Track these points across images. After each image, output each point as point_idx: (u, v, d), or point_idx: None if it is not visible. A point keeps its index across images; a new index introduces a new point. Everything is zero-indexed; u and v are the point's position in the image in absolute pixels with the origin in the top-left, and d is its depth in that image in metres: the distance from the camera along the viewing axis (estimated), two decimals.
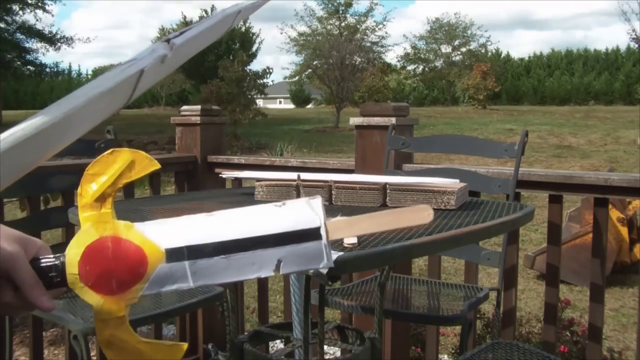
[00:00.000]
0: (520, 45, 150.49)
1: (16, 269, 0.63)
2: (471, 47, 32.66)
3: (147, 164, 0.68)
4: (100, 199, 0.67)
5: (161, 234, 0.66)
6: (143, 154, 0.68)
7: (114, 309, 0.65)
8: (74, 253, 0.65)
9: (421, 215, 0.73)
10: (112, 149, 0.68)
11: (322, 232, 0.66)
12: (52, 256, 0.67)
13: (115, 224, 0.66)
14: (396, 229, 1.01)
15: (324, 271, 0.86)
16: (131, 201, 1.95)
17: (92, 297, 0.65)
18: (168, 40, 0.63)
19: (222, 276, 0.65)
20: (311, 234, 0.66)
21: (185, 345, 0.67)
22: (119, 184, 0.67)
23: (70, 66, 46.53)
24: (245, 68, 17.51)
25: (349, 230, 0.71)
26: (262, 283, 2.87)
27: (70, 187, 2.21)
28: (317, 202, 0.68)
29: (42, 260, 0.66)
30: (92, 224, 0.66)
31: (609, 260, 4.74)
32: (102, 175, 0.67)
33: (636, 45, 25.92)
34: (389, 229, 0.80)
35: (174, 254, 0.64)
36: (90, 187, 0.67)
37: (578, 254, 4.70)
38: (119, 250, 0.65)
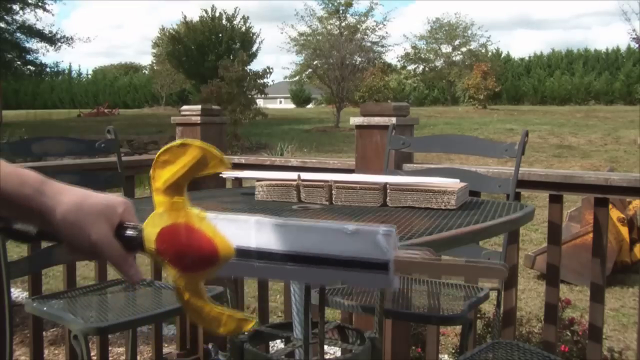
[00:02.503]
0: (521, 45, 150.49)
1: (104, 253, 0.70)
2: (471, 47, 32.60)
3: (217, 162, 0.70)
4: (173, 187, 0.70)
5: (232, 231, 0.68)
6: (214, 152, 0.70)
7: (189, 282, 0.69)
8: (150, 231, 0.70)
9: (494, 272, 0.69)
10: (182, 141, 0.70)
11: (390, 266, 0.65)
12: (133, 226, 0.71)
13: (188, 213, 0.70)
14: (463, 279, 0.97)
15: None
16: (131, 201, 1.95)
17: (169, 270, 0.70)
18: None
19: (285, 277, 0.74)
20: (378, 266, 0.65)
21: (254, 320, 0.72)
22: (191, 176, 0.70)
23: (70, 66, 46.32)
24: (246, 68, 17.47)
25: (419, 270, 0.69)
26: (262, 283, 2.87)
27: None
28: (392, 232, 0.66)
29: (126, 232, 0.71)
30: (165, 210, 0.70)
31: (609, 260, 4.74)
32: (172, 163, 0.70)
33: (636, 45, 25.90)
34: (457, 278, 0.78)
35: (244, 253, 0.67)
36: (162, 173, 0.70)
37: (578, 253, 4.70)
38: (192, 238, 0.68)
